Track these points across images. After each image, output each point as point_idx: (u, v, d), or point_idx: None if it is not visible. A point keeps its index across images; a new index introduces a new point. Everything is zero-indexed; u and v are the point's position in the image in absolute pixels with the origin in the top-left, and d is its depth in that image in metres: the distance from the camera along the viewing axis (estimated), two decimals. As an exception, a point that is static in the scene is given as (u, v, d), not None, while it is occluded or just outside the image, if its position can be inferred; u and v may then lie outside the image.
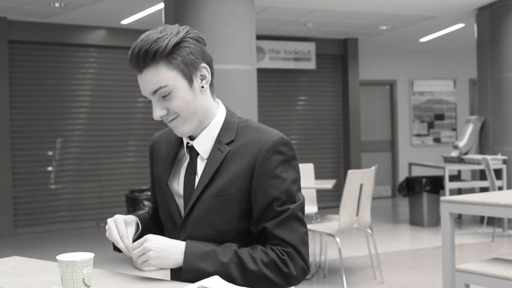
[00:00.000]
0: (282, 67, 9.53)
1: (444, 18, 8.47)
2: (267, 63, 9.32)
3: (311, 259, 5.57)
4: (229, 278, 1.43)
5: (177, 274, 1.64)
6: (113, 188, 8.45)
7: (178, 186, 1.60)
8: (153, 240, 1.46)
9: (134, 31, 8.44)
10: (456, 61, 11.36)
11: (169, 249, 1.47)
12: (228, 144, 1.54)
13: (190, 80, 1.51)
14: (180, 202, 1.59)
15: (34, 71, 8.07)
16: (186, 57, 1.49)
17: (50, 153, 8.17)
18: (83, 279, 1.33)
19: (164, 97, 1.49)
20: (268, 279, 1.46)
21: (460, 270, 3.14)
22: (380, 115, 11.23)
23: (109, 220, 1.54)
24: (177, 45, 1.48)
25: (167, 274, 1.71)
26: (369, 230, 4.93)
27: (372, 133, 11.13)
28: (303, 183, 5.66)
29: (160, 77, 1.47)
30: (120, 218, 1.54)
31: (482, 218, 7.48)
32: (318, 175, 6.91)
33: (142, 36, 1.48)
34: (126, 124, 8.63)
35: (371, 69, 10.92)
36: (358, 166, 9.94)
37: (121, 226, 1.52)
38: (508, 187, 7.14)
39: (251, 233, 1.54)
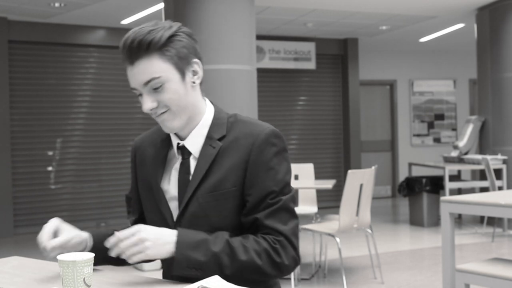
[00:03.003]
0: (282, 67, 9.53)
1: (444, 18, 8.47)
2: (267, 63, 9.32)
3: (311, 259, 5.57)
4: (220, 268, 1.42)
5: (167, 274, 1.63)
6: (113, 188, 8.45)
7: (169, 186, 1.58)
8: (147, 230, 1.43)
9: (134, 31, 8.44)
10: (456, 61, 11.36)
11: (163, 238, 1.43)
12: (219, 139, 1.53)
13: (182, 74, 1.49)
14: (172, 203, 1.56)
15: (34, 71, 8.07)
16: (180, 50, 1.48)
17: (50, 153, 8.17)
18: (84, 278, 1.33)
19: (155, 89, 1.47)
20: (260, 268, 1.44)
21: (460, 270, 3.13)
22: (380, 115, 11.23)
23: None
24: (171, 38, 1.47)
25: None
26: (369, 230, 4.93)
27: (372, 133, 11.13)
28: (303, 183, 5.67)
29: (153, 68, 1.45)
30: (51, 224, 1.54)
31: (482, 218, 7.48)
32: (318, 175, 6.91)
33: (134, 29, 1.47)
34: (126, 124, 8.62)
35: (371, 69, 10.92)
36: (358, 166, 9.93)
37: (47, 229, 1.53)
38: (508, 187, 7.14)
39: (243, 228, 1.53)
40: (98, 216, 8.36)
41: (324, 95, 10.18)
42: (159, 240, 1.42)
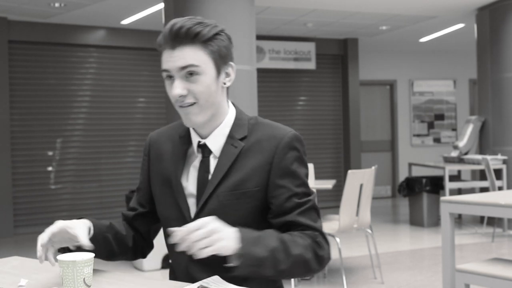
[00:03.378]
0: (282, 67, 9.53)
1: (444, 18, 8.47)
2: (267, 63, 9.32)
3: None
4: (275, 263, 1.41)
5: (176, 274, 1.63)
6: (113, 188, 8.45)
7: (187, 183, 1.58)
8: (215, 222, 1.36)
9: (134, 31, 8.45)
10: (456, 61, 11.36)
11: (227, 233, 1.37)
12: (241, 140, 1.55)
13: (218, 72, 1.52)
14: (190, 200, 1.56)
15: (34, 71, 8.07)
16: (221, 49, 1.51)
17: (50, 153, 8.17)
18: (84, 279, 1.34)
19: (189, 76, 1.48)
20: (307, 262, 1.47)
21: (460, 270, 3.14)
22: (380, 115, 11.22)
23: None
24: (216, 35, 1.50)
25: (167, 274, 1.71)
26: (369, 230, 4.93)
27: (372, 133, 11.13)
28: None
29: (195, 56, 1.47)
30: (57, 224, 1.48)
31: (482, 218, 7.48)
32: (318, 175, 6.92)
33: (181, 18, 1.50)
34: (126, 124, 8.63)
35: (371, 69, 10.93)
36: (358, 166, 9.93)
37: (51, 229, 1.47)
38: (508, 187, 7.14)
39: (262, 228, 1.52)
40: (98, 216, 8.36)
41: (324, 95, 10.18)
42: (225, 234, 1.36)
